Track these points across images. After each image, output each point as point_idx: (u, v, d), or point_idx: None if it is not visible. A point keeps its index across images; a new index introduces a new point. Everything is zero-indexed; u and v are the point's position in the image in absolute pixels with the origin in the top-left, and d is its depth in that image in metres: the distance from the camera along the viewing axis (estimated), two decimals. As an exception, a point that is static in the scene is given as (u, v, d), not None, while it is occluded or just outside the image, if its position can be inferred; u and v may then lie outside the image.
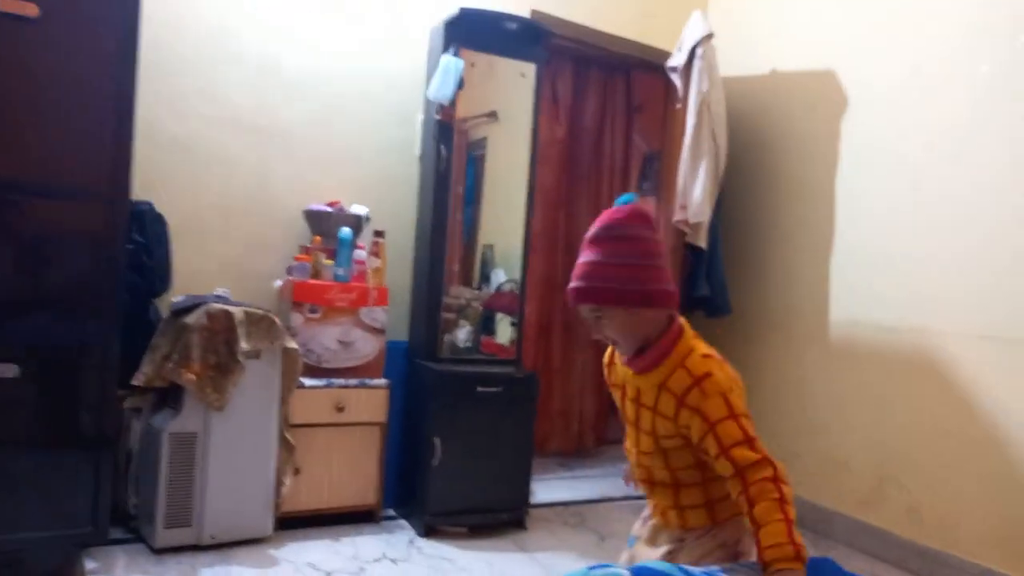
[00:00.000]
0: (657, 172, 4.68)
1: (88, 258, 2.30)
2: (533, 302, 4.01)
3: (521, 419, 3.13)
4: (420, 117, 3.41)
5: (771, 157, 3.85)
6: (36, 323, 2.24)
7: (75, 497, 2.27)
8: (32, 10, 2.18)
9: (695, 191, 3.46)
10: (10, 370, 2.17)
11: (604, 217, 1.40)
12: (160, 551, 2.55)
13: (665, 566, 1.52)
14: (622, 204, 1.41)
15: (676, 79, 3.59)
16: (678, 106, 3.59)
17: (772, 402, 3.74)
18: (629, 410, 1.54)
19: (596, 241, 1.37)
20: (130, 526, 2.70)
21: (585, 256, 1.38)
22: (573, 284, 1.38)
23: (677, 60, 3.58)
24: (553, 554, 2.91)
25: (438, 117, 3.11)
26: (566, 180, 4.23)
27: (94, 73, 2.28)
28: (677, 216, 3.53)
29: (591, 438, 4.43)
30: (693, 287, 3.67)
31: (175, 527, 2.57)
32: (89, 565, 2.42)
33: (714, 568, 1.54)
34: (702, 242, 3.57)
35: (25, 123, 2.21)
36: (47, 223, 2.26)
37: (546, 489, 3.66)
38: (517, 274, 3.40)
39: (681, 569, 1.52)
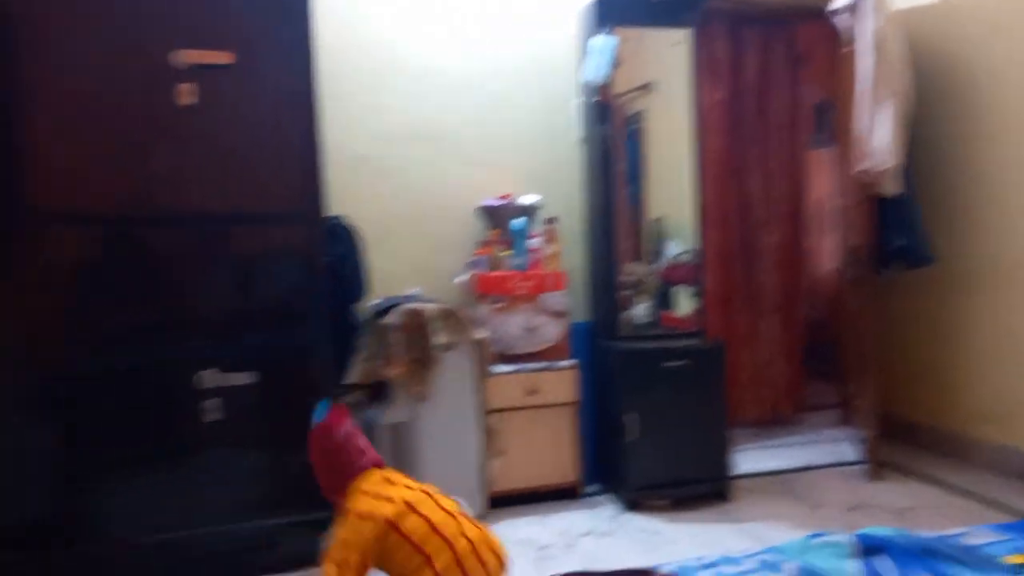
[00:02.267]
0: (831, 122, 4.41)
1: (298, 273, 2.55)
2: (711, 271, 3.92)
3: (711, 390, 3.09)
4: (577, 100, 3.45)
5: (966, 90, 3.50)
6: (263, 335, 2.51)
7: (313, 486, 2.53)
8: (227, 58, 2.45)
9: (878, 136, 3.22)
10: (248, 377, 2.45)
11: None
12: (387, 533, 2.78)
13: (890, 530, 1.46)
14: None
15: (844, 21, 3.36)
16: (844, 50, 3.36)
17: (989, 355, 3.42)
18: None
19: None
20: (358, 512, 2.96)
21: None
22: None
23: (842, 1, 3.35)
24: (763, 524, 2.84)
25: (596, 98, 3.13)
26: (732, 143, 4.09)
27: (284, 107, 2.52)
28: (859, 165, 3.31)
29: (787, 405, 4.26)
30: (887, 238, 3.42)
31: (397, 511, 2.79)
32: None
33: (944, 534, 1.47)
34: (891, 189, 3.31)
35: (231, 160, 2.48)
36: (260, 247, 2.53)
37: (747, 459, 3.57)
38: (692, 244, 3.34)
39: (905, 535, 1.45)
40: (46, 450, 2.27)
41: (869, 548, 1.40)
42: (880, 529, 1.48)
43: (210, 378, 2.41)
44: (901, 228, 3.42)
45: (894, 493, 3.16)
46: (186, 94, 2.39)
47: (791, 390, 4.28)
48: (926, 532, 1.53)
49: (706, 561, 1.34)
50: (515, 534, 2.78)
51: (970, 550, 1.35)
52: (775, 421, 4.22)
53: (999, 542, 1.50)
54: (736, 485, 3.18)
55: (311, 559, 2.52)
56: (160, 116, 2.37)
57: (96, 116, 2.32)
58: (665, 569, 1.00)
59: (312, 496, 2.51)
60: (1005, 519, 2.83)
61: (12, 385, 2.24)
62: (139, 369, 2.36)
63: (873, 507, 3.00)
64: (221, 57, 2.44)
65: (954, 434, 3.62)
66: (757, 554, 1.39)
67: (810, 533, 1.48)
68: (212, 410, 2.41)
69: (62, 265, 2.32)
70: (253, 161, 2.51)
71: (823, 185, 4.69)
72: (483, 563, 1.74)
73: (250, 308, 2.52)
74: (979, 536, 1.52)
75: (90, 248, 2.34)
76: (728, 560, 1.36)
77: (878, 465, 3.37)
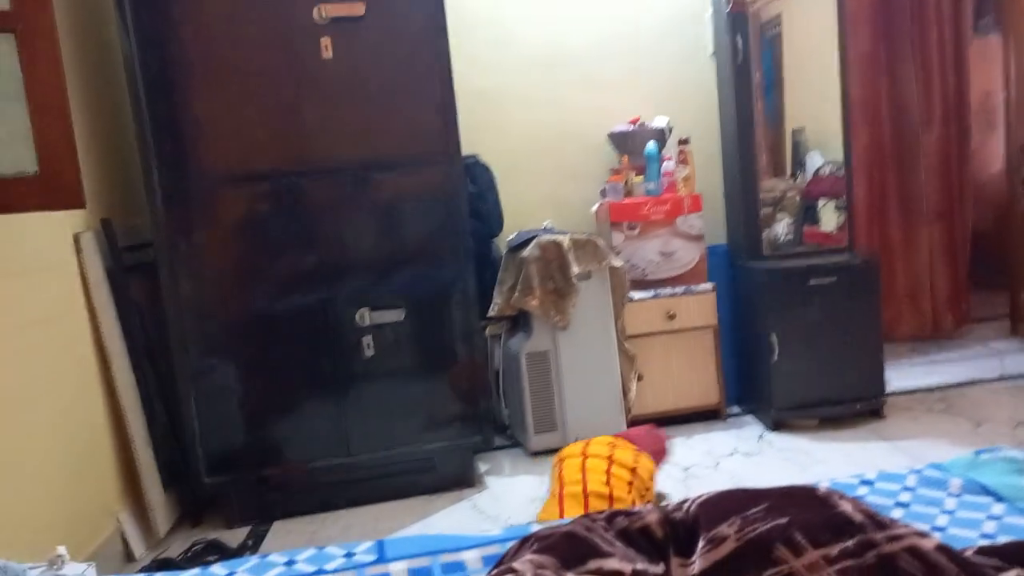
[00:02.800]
0: (998, 5, 3.95)
1: (438, 213, 2.65)
2: (861, 179, 3.70)
3: (864, 306, 2.96)
4: (709, 12, 3.28)
5: None
6: (409, 274, 2.65)
7: (463, 413, 2.70)
8: (359, 9, 2.52)
9: (1055, 14, 2.87)
10: (398, 315, 2.62)
11: None
12: (535, 453, 2.94)
13: None
14: None
15: None
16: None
17: None
18: None
19: None
20: (507, 434, 3.14)
21: None
22: None
23: None
24: (920, 442, 2.75)
25: (729, 8, 2.98)
26: (883, 41, 3.76)
27: (415, 51, 2.57)
28: (1033, 50, 2.97)
29: (948, 319, 4.01)
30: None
31: (543, 432, 2.93)
32: (482, 467, 2.88)
33: None
34: (1072, 74, 2.96)
35: (374, 109, 2.57)
36: (405, 190, 2.64)
37: (902, 376, 3.43)
38: (837, 154, 3.16)
39: None
40: (235, 387, 2.55)
41: (1045, 463, 1.31)
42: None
43: (366, 316, 2.59)
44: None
45: (1074, 408, 2.94)
46: (327, 48, 2.50)
47: (954, 302, 4.02)
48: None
49: (864, 478, 1.32)
50: (660, 455, 2.85)
51: None
52: (936, 335, 3.99)
53: None
54: (891, 402, 3.08)
55: (466, 480, 2.72)
56: (307, 72, 2.49)
57: (250, 80, 2.48)
58: (824, 485, 0.99)
59: (463, 421, 2.70)
60: None
61: (204, 332, 2.52)
62: (305, 311, 2.57)
63: (1049, 424, 2.83)
64: (355, 8, 2.51)
65: None
66: (918, 471, 1.34)
67: (977, 450, 1.41)
68: (369, 346, 2.60)
69: (235, 221, 2.54)
70: (393, 108, 2.58)
71: (990, 77, 4.25)
72: (610, 472, 1.96)
73: (399, 249, 2.64)
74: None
75: (257, 203, 2.54)
76: (887, 476, 1.33)
77: (1052, 378, 3.14)
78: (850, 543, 0.81)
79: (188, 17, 2.43)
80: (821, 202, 3.28)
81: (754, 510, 0.88)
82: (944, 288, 3.98)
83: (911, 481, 1.30)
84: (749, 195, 3.11)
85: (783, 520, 0.85)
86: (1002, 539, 1.12)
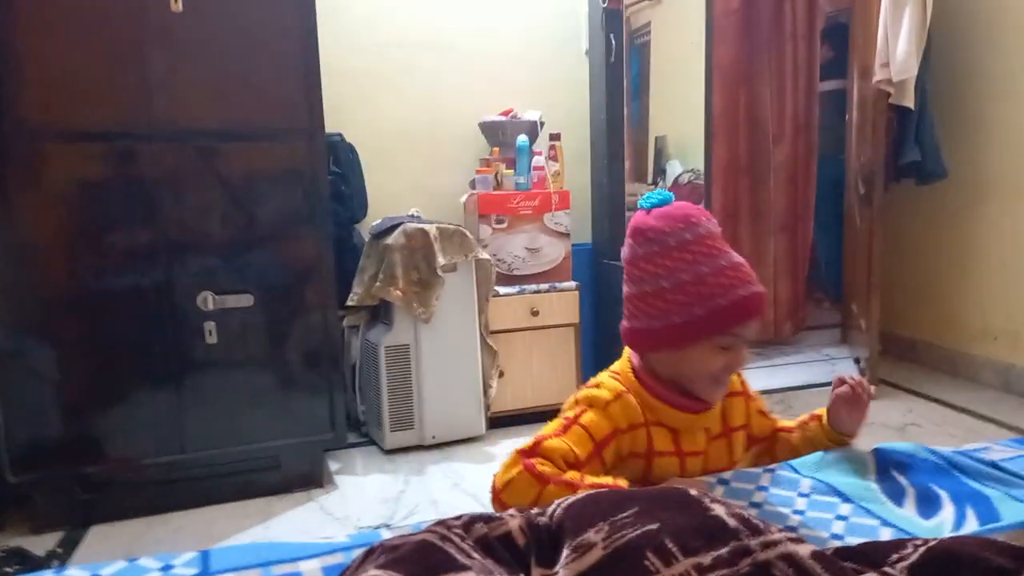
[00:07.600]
0: (847, 30, 4.23)
1: (297, 192, 2.46)
2: (716, 191, 3.83)
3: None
4: (584, 9, 3.28)
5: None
6: (260, 256, 2.45)
7: (314, 408, 2.53)
8: (214, -37, 2.29)
9: (899, 44, 3.09)
10: (246, 300, 2.41)
11: (701, 217, 1.22)
12: (390, 451, 2.81)
13: (909, 445, 1.42)
14: (670, 203, 1.22)
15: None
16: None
17: (999, 271, 3.38)
18: (694, 461, 1.33)
19: (723, 242, 1.22)
20: (361, 431, 2.99)
21: (736, 258, 1.21)
22: (759, 289, 1.19)
23: None
24: (762, 442, 2.86)
25: (605, 5, 2.98)
26: (745, 54, 3.92)
27: (278, 13, 2.37)
28: (878, 76, 3.17)
29: (787, 326, 4.25)
30: (901, 153, 3.33)
31: (400, 430, 2.81)
32: (333, 466, 2.72)
33: (969, 448, 1.42)
34: (909, 101, 3.19)
35: (224, 70, 2.33)
36: (256, 165, 2.42)
37: (750, 378, 3.57)
38: (696, 163, 3.25)
39: (926, 449, 1.41)
40: (52, 372, 2.24)
41: (887, 464, 1.34)
42: (899, 444, 1.41)
43: (209, 300, 2.37)
44: (915, 141, 3.32)
45: (894, 410, 3.18)
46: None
47: (793, 310, 4.26)
48: (943, 447, 1.44)
49: (721, 476, 1.30)
50: (517, 453, 2.80)
51: (998, 466, 1.29)
52: (776, 341, 4.22)
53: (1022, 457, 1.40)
54: (737, 404, 3.20)
55: (314, 479, 2.55)
56: (153, 22, 2.22)
57: (86, 24, 2.18)
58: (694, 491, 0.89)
59: (314, 417, 2.53)
60: (1014, 435, 2.85)
61: (15, 308, 2.20)
62: (139, 290, 2.31)
63: (872, 424, 3.03)
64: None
65: (958, 353, 3.62)
66: (772, 470, 1.34)
67: (823, 451, 1.42)
68: (211, 332, 2.38)
69: (60, 184, 2.22)
70: (250, 72, 2.35)
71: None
72: None
73: (250, 229, 2.43)
74: (1002, 451, 1.43)
75: (89, 165, 2.24)
76: (742, 475, 1.32)
77: (877, 382, 3.38)
78: (724, 551, 0.77)
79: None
80: (682, 209, 3.36)
81: (623, 515, 0.82)
82: (785, 297, 4.22)
83: (765, 480, 1.30)
84: (616, 195, 3.13)
85: (654, 526, 0.80)
86: (850, 539, 1.13)
